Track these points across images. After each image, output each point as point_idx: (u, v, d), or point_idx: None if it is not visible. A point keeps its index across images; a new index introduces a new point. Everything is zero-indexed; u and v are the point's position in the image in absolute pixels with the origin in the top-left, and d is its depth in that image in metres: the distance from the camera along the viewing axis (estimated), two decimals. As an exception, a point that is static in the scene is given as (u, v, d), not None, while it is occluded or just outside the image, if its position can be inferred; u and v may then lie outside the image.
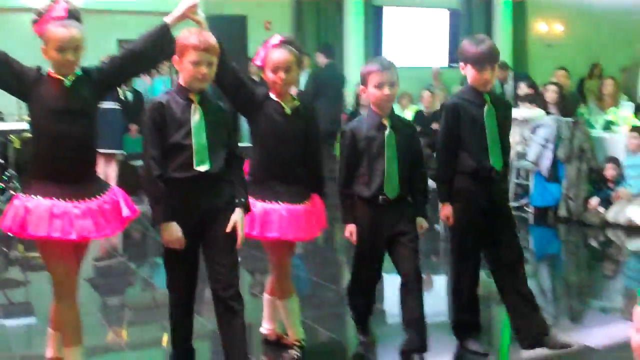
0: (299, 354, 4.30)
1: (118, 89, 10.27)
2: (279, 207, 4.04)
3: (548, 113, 9.35)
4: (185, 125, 3.71)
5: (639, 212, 8.15)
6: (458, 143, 4.32)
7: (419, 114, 11.39)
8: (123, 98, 10.61)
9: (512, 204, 9.62)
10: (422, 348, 4.15)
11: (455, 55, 14.66)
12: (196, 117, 3.73)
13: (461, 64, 4.32)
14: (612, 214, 8.40)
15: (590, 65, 13.93)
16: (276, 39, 4.03)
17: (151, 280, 6.85)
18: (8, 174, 9.85)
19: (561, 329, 4.98)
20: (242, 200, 3.82)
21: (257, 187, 4.03)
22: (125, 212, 3.79)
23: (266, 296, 4.55)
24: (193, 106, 3.75)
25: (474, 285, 4.49)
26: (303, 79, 12.66)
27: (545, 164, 8.99)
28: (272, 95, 4.07)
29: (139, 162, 11.13)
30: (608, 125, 9.59)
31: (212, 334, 4.96)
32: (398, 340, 4.27)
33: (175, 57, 3.74)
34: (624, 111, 9.93)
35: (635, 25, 15.13)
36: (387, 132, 4.16)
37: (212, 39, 3.72)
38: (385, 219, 4.21)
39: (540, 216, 9.05)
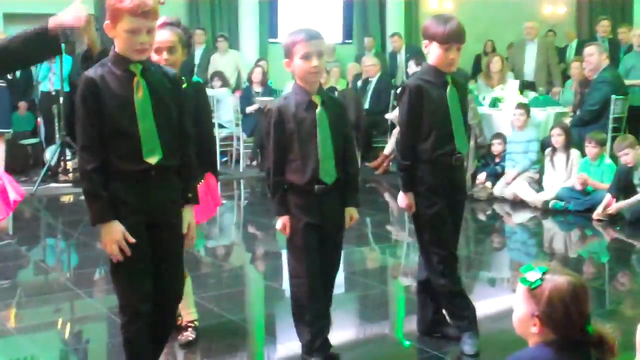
0: (193, 336, 4.33)
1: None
2: None
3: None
4: (126, 105, 3.14)
5: (523, 187, 8.48)
6: (420, 127, 4.06)
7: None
8: (9, 75, 10.26)
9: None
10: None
11: (349, 32, 14.94)
12: (139, 94, 3.15)
13: (425, 41, 4.08)
14: (498, 189, 8.72)
15: (483, 42, 14.35)
16: (160, 20, 3.88)
17: (43, 264, 6.72)
18: None
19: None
20: (192, 195, 3.40)
21: None
22: (12, 195, 3.63)
23: None
24: (135, 80, 3.16)
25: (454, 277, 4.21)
26: (198, 53, 12.64)
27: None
28: None
29: (28, 141, 10.86)
30: (495, 102, 9.90)
31: (107, 316, 4.95)
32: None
33: (107, 22, 3.15)
34: (510, 88, 10.27)
35: (522, 1, 15.63)
36: (318, 110, 3.77)
37: (150, 0, 3.11)
38: (323, 208, 3.84)
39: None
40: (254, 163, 11.65)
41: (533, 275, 2.20)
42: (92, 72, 3.17)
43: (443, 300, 4.26)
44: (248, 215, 9.24)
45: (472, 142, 9.03)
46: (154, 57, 3.84)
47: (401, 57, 13.36)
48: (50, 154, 10.27)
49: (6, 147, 10.16)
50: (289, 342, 4.41)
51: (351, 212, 3.95)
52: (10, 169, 9.91)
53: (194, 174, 3.48)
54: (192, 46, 4.98)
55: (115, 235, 3.11)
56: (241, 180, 10.94)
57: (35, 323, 5.06)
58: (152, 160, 3.15)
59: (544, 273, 2.20)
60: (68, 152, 10.51)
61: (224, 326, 4.70)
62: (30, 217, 8.74)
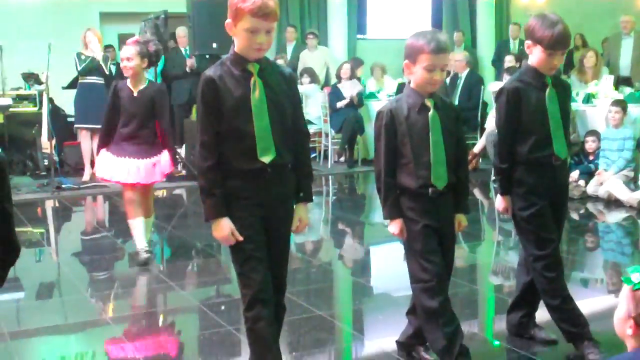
0: (147, 254, 6.09)
1: (101, 62, 10.25)
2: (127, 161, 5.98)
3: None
4: (243, 105, 3.23)
5: (618, 185, 8.26)
6: (518, 130, 3.98)
7: (402, 87, 11.43)
8: (107, 72, 10.56)
9: (495, 177, 9.74)
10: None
11: (438, 26, 14.82)
12: (256, 94, 3.24)
13: (528, 42, 3.96)
14: (592, 187, 8.52)
15: (575, 36, 14.04)
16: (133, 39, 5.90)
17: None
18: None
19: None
20: (304, 193, 3.48)
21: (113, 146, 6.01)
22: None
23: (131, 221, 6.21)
24: (252, 80, 3.25)
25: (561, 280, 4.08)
26: (289, 50, 12.74)
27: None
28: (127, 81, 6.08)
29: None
30: (589, 98, 9.68)
31: (198, 308, 5.06)
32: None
33: (228, 21, 3.23)
34: (604, 83, 10.02)
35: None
36: (431, 113, 3.68)
37: (271, 2, 3.18)
38: (439, 211, 3.75)
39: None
40: (342, 159, 11.69)
41: (637, 277, 2.15)
42: (212, 71, 3.26)
43: (548, 304, 4.12)
44: (336, 211, 9.28)
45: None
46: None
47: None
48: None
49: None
50: (377, 339, 4.43)
51: (460, 219, 3.86)
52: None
53: (308, 172, 3.52)
54: (156, 56, 6.24)
55: (224, 232, 3.24)
56: (329, 177, 11.00)
57: (130, 314, 5.22)
58: (266, 159, 3.23)
59: None
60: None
61: (312, 321, 4.75)
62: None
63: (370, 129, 11.35)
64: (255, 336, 3.31)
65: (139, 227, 6.19)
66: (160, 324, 5.05)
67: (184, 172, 10.43)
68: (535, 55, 3.94)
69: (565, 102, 4.08)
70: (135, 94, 6.07)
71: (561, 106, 3.99)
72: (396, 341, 4.10)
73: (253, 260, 3.27)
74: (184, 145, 10.99)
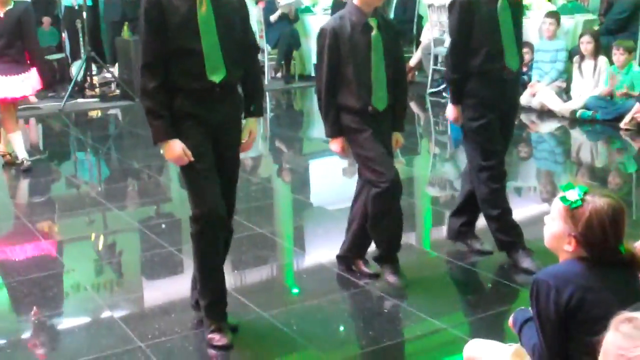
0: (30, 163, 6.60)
1: (26, -20, 9.89)
2: None
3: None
4: (189, 22, 3.12)
5: (550, 96, 8.41)
6: (469, 41, 3.98)
7: (337, 1, 11.26)
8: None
9: (431, 89, 9.82)
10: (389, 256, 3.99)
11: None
12: (203, 9, 3.14)
13: None
14: (525, 98, 8.65)
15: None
16: None
17: (74, 179, 6.83)
18: None
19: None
20: (258, 108, 3.46)
21: None
22: None
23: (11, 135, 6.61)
24: None
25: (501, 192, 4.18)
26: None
27: (462, 49, 9.13)
28: None
29: (53, 57, 10.86)
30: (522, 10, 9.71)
31: (138, 229, 5.05)
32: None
33: None
34: (538, -5, 10.05)
35: None
36: (373, 34, 3.70)
37: None
38: (377, 127, 3.79)
39: (458, 101, 9.22)
40: (279, 75, 11.61)
41: (573, 195, 2.20)
42: None
43: (486, 214, 4.20)
44: (274, 128, 9.27)
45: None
46: None
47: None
48: (76, 70, 10.29)
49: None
50: (317, 254, 4.50)
51: (397, 137, 3.95)
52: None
53: (259, 86, 3.50)
54: None
55: (175, 153, 3.18)
56: (267, 93, 10.93)
57: (69, 237, 5.19)
58: (216, 78, 3.16)
59: (584, 193, 2.20)
60: (94, 67, 10.54)
61: (253, 239, 4.79)
62: (59, 132, 8.84)
63: (306, 44, 11.27)
64: (201, 254, 3.31)
65: (19, 139, 6.68)
66: (101, 246, 5.04)
67: (117, 92, 10.24)
68: None
69: (518, 15, 4.10)
70: (1, 15, 6.39)
71: (514, 18, 3.99)
72: (336, 256, 4.17)
73: (204, 180, 3.24)
74: (116, 64, 10.75)
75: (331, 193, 5.96)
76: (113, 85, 10.45)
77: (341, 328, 3.66)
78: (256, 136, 3.52)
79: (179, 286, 3.83)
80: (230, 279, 3.97)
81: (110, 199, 5.83)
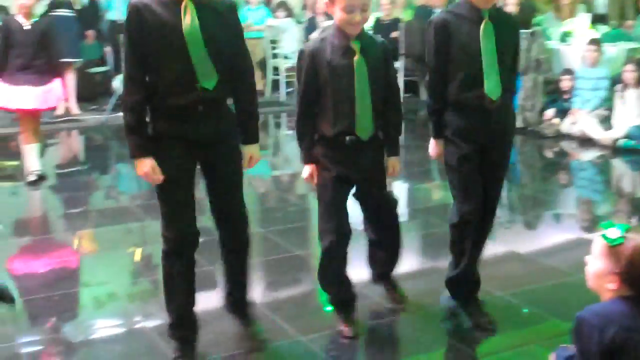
0: (34, 177, 6.55)
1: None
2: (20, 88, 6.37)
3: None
4: (173, 32, 3.00)
5: (592, 124, 8.33)
6: (447, 67, 3.60)
7: (377, 23, 11.32)
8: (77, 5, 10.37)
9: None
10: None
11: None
12: (188, 19, 3.01)
13: None
14: (566, 126, 8.58)
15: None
16: None
17: (114, 191, 6.90)
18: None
19: (516, 234, 5.22)
20: (252, 135, 3.37)
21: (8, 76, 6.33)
22: None
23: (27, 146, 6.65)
24: (183, 4, 3.03)
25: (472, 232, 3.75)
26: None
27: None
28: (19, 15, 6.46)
29: (96, 70, 11.02)
30: (564, 37, 9.67)
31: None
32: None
33: None
34: (580, 21, 9.99)
35: None
36: (356, 59, 3.43)
37: None
38: (353, 162, 3.55)
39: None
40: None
41: (614, 233, 2.19)
42: None
43: (452, 252, 3.89)
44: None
45: (540, 78, 8.89)
46: None
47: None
48: (118, 83, 10.41)
49: (76, 76, 10.33)
50: (355, 278, 4.49)
51: (393, 163, 3.68)
52: (79, 97, 10.13)
53: (252, 111, 3.36)
54: None
55: (143, 170, 3.12)
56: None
57: (107, 249, 5.23)
58: (209, 84, 3.05)
59: (625, 231, 2.19)
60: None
61: (290, 261, 4.79)
62: (100, 145, 8.95)
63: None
64: (165, 274, 3.31)
65: (34, 152, 6.76)
66: (138, 259, 5.07)
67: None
68: None
69: (507, 39, 3.63)
70: (27, 27, 6.52)
71: (500, 42, 3.56)
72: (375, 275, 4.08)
73: (177, 203, 3.20)
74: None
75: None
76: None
77: (375, 355, 3.62)
78: (259, 159, 3.44)
79: (213, 302, 3.82)
80: (267, 301, 3.99)
81: (148, 212, 5.87)
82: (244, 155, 3.37)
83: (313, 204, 6.53)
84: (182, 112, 3.09)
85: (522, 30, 9.02)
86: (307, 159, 3.61)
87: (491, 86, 3.54)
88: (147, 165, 3.11)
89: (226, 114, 3.26)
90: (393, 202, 3.85)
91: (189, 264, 3.33)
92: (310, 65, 3.45)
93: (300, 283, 4.54)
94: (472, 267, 3.84)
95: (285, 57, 11.30)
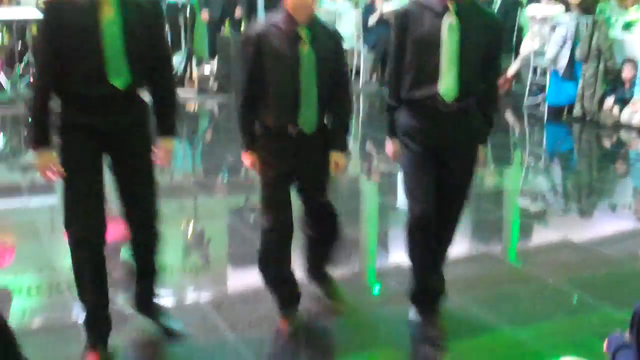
0: None
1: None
2: None
3: (567, 10, 9.25)
4: (92, 25, 2.90)
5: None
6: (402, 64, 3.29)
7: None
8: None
9: (527, 101, 9.65)
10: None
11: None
12: (107, 14, 2.92)
13: None
14: (626, 115, 8.41)
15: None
16: None
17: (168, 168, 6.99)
18: (26, 60, 9.85)
19: (571, 222, 5.14)
20: (170, 128, 3.27)
21: None
22: None
23: None
24: None
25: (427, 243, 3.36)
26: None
27: (562, 62, 8.96)
28: None
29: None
30: (628, 25, 9.46)
31: (229, 219, 5.12)
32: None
33: None
34: (645, 11, 9.76)
35: None
36: (305, 49, 3.17)
37: None
38: (294, 155, 3.31)
39: (555, 114, 9.07)
40: (374, 78, 11.62)
41: None
42: None
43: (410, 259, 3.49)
44: (366, 130, 9.26)
45: (601, 66, 8.72)
46: None
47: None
48: (177, 62, 10.54)
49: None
50: (400, 257, 4.48)
51: (336, 157, 3.40)
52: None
53: (172, 103, 3.28)
54: None
55: (40, 163, 3.03)
56: (360, 95, 10.95)
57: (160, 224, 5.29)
58: (118, 83, 2.96)
59: None
60: (193, 62, 10.81)
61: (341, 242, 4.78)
62: (156, 122, 9.05)
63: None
64: (74, 269, 3.15)
65: None
66: (191, 234, 5.13)
67: (215, 86, 10.43)
68: None
69: (476, 37, 3.21)
70: None
71: (466, 39, 3.18)
72: None
73: (80, 195, 3.06)
74: (215, 59, 10.96)
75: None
76: (211, 80, 10.64)
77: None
78: (172, 154, 3.33)
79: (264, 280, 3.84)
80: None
81: (202, 189, 5.95)
82: (158, 149, 3.25)
83: (364, 184, 6.57)
84: (92, 104, 2.99)
85: (586, 18, 8.94)
86: (249, 145, 3.34)
87: (446, 85, 3.20)
88: (46, 159, 3.02)
89: (138, 108, 3.16)
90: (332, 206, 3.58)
91: (98, 260, 3.14)
92: (255, 51, 3.19)
93: (350, 263, 4.54)
94: (427, 277, 3.46)
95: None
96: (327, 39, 3.25)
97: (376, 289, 4.23)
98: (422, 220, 3.28)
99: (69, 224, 3.07)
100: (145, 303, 3.47)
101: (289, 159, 3.30)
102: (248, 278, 4.24)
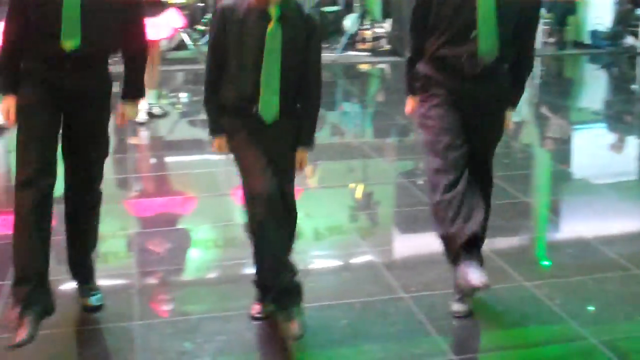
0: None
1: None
2: None
3: None
4: None
5: None
6: (427, 19, 3.17)
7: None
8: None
9: None
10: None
11: None
12: None
13: None
14: None
15: None
16: None
17: (339, 128, 7.07)
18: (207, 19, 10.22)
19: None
20: (133, 90, 3.23)
21: None
22: None
23: None
24: None
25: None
26: None
27: None
28: None
29: (329, 9, 11.26)
30: None
31: (399, 182, 5.15)
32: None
33: None
34: None
35: None
36: (271, 27, 2.91)
37: None
38: (269, 135, 3.01)
39: None
40: (552, 40, 11.23)
41: None
42: None
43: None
44: (542, 94, 9.00)
45: None
46: None
47: None
48: (349, 22, 10.62)
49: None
50: (580, 228, 4.36)
51: (302, 155, 3.13)
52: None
53: (139, 65, 3.22)
54: None
55: (3, 108, 3.04)
56: (537, 58, 10.61)
57: (330, 184, 5.42)
58: (69, 45, 2.92)
59: None
60: (366, 22, 10.85)
61: (517, 207, 4.73)
62: (330, 82, 9.19)
63: (582, 10, 10.81)
64: (17, 219, 3.00)
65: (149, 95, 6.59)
66: (361, 195, 5.19)
67: (388, 47, 10.45)
68: None
69: (515, 2, 3.11)
70: None
71: (504, 2, 3.06)
72: None
73: (29, 140, 3.00)
74: (390, 20, 10.95)
75: (595, 166, 5.71)
76: (384, 41, 10.66)
77: (605, 309, 3.44)
78: (132, 117, 3.27)
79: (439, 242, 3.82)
80: (493, 246, 3.85)
81: (373, 150, 6.01)
82: (117, 111, 3.22)
83: (538, 152, 6.41)
84: (49, 61, 3.00)
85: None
86: (217, 129, 3.09)
87: (485, 46, 3.08)
88: (6, 103, 3.03)
89: (98, 72, 3.13)
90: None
91: (42, 213, 3.00)
92: (221, 25, 2.97)
93: (525, 230, 4.49)
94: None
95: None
96: (300, 22, 2.98)
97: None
98: (451, 178, 3.12)
99: (17, 172, 3.02)
100: (76, 267, 3.38)
101: (256, 134, 3.02)
102: (418, 239, 4.29)
